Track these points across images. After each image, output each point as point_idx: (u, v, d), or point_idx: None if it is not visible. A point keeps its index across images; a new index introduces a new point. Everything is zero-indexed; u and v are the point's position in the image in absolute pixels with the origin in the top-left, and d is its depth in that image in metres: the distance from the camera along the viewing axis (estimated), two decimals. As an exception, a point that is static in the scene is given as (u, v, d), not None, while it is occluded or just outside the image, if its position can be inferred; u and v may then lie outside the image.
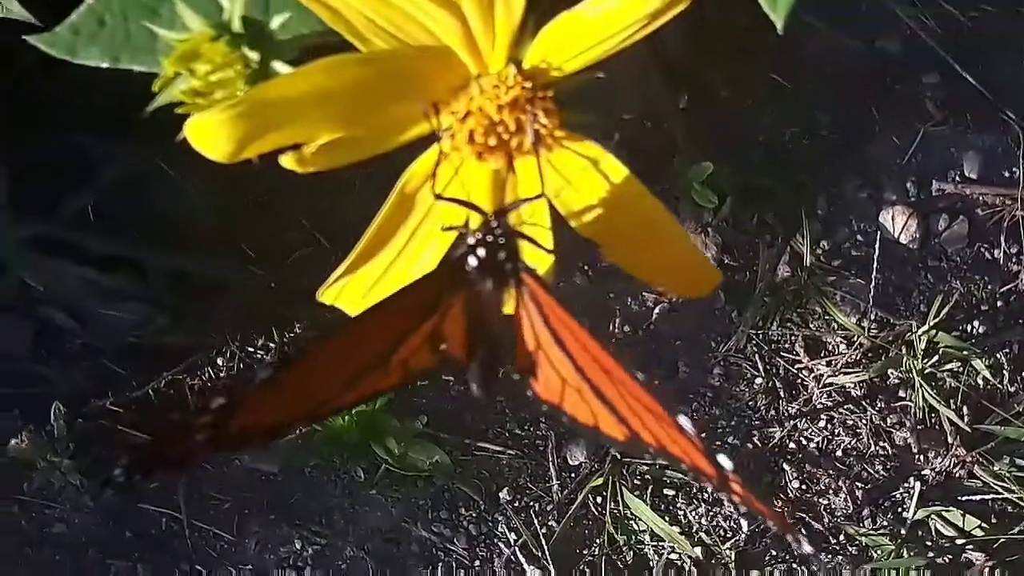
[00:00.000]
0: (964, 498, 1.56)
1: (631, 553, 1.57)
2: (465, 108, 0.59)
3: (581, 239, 0.61)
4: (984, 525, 1.55)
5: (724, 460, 0.56)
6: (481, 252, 0.59)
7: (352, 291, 0.65)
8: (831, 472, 1.58)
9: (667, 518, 1.57)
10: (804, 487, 1.58)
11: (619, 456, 1.58)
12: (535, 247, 0.61)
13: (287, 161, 0.57)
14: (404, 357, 0.61)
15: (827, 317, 1.60)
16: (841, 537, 1.57)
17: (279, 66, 0.59)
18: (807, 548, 0.58)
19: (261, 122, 0.54)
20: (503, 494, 1.59)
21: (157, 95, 0.59)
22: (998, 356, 1.59)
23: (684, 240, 0.61)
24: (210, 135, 0.54)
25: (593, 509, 1.58)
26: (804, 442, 1.59)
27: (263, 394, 0.57)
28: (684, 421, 0.56)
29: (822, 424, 1.59)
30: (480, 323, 0.61)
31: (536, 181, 0.60)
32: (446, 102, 0.59)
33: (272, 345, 1.60)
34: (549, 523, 1.58)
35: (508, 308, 0.61)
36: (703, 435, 0.56)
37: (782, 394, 1.60)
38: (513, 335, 0.61)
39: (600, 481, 1.57)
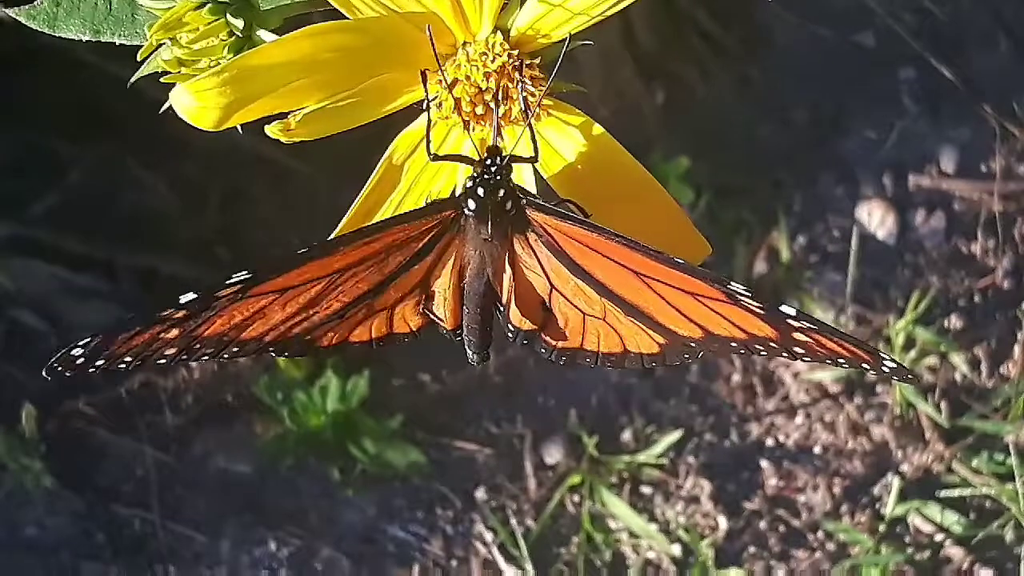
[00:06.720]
0: (943, 494, 1.56)
1: (609, 552, 1.56)
2: (452, 76, 0.58)
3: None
4: (963, 521, 1.55)
5: (787, 308, 0.54)
6: (480, 192, 0.58)
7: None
8: (809, 468, 1.58)
9: (645, 516, 1.57)
10: (782, 484, 1.58)
11: (595, 455, 1.58)
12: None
13: (273, 130, 0.56)
14: (389, 306, 0.60)
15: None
16: (819, 533, 1.57)
17: (264, 34, 0.58)
18: (890, 365, 0.55)
19: (247, 90, 0.54)
20: (479, 493, 1.59)
21: (141, 65, 0.58)
22: (976, 351, 1.59)
23: (673, 209, 0.60)
24: (195, 103, 0.53)
25: (570, 508, 1.58)
26: (782, 439, 1.59)
27: (242, 305, 0.57)
28: (736, 287, 0.54)
29: (799, 420, 1.59)
30: (476, 276, 0.60)
31: (522, 151, 0.59)
32: (433, 70, 0.58)
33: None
34: (526, 522, 1.57)
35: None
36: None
37: (759, 390, 1.59)
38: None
39: (577, 480, 1.57)
